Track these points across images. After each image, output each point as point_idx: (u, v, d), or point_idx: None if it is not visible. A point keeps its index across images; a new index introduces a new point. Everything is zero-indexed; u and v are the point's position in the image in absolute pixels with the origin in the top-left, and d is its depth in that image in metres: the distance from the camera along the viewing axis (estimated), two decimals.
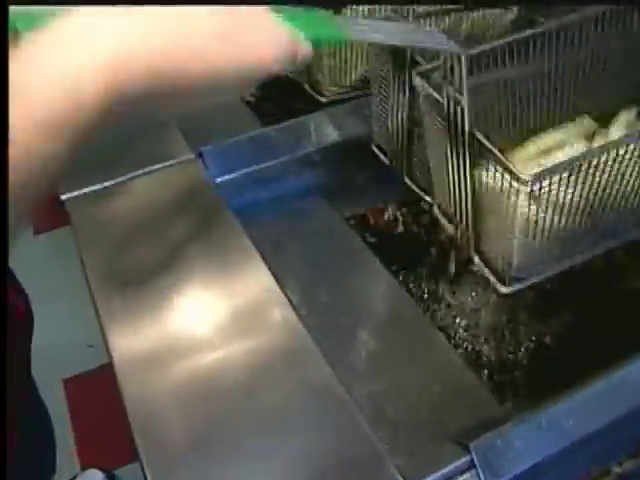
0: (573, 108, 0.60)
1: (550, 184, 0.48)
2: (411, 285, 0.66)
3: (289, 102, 0.91)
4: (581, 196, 0.51)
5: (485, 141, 0.50)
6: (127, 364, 0.52)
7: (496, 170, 0.49)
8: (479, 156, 0.51)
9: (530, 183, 0.47)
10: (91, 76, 0.31)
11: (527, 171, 0.47)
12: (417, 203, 0.71)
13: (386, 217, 0.72)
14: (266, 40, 0.36)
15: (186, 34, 0.34)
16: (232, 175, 0.70)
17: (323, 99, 0.84)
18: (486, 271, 0.57)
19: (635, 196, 0.55)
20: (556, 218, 0.51)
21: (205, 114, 0.86)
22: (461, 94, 0.48)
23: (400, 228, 0.72)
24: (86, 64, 0.31)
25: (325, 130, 0.76)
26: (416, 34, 0.45)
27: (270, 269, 0.59)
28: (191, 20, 0.34)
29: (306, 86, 0.86)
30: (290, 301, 0.56)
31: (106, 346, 0.53)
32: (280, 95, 0.93)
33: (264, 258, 0.60)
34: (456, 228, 0.59)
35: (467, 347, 0.60)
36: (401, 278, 0.66)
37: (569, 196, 0.50)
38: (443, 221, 0.61)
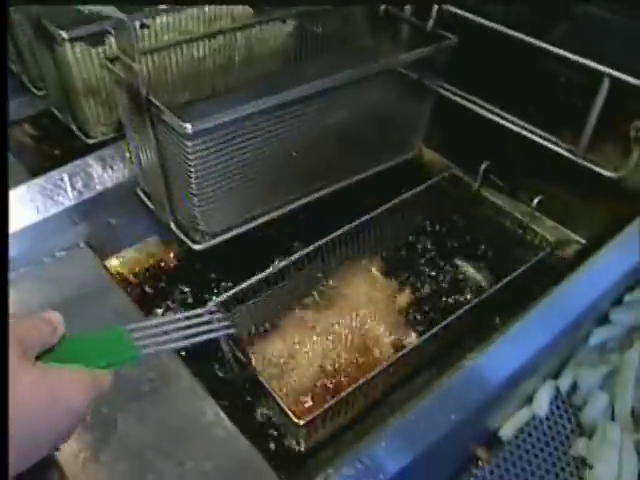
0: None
1: None
2: None
3: (58, 145, 0.86)
4: None
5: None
6: None
7: None
8: None
9: None
10: None
11: None
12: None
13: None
14: (78, 394, 0.35)
15: None
16: None
17: (90, 140, 0.79)
18: None
19: None
20: None
21: None
22: None
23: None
24: None
25: (89, 178, 0.71)
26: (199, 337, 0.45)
27: None
28: None
29: (73, 127, 0.80)
30: None
31: None
32: (51, 138, 0.87)
33: None
34: None
35: None
36: None
37: None
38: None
